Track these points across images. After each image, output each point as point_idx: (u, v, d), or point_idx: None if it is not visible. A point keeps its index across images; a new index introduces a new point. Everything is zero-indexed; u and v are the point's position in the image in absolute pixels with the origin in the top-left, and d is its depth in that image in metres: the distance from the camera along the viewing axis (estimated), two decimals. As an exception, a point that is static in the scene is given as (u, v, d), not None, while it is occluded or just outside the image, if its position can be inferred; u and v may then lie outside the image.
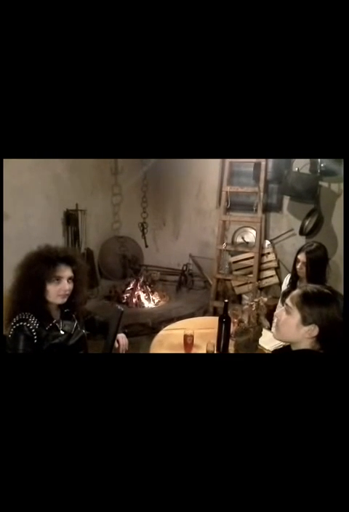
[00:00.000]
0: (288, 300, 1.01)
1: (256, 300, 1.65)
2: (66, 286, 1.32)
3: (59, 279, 1.31)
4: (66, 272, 1.33)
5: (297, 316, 0.97)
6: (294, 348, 0.99)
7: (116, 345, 1.67)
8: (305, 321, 0.95)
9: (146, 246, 3.96)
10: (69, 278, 1.34)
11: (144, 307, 3.28)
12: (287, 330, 0.99)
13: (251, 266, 3.19)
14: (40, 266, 1.27)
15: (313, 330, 0.94)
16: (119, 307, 1.65)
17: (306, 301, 0.96)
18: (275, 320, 1.07)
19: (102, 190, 3.79)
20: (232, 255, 3.39)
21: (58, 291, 1.31)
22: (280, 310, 1.04)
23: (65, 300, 1.35)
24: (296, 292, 1.01)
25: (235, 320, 1.80)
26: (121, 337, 1.68)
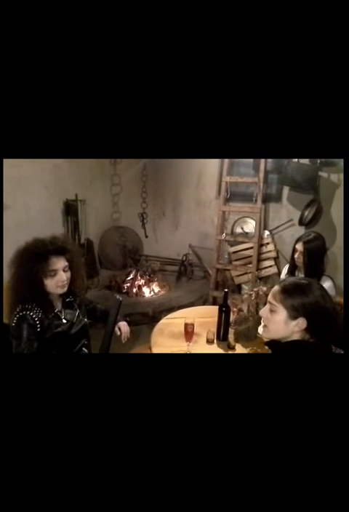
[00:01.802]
0: (270, 299, 1.01)
1: (255, 289, 1.68)
2: (63, 276, 1.32)
3: (54, 272, 1.30)
4: (60, 263, 1.31)
5: (282, 312, 0.97)
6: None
7: (118, 332, 1.68)
8: (291, 316, 0.96)
9: (146, 236, 3.97)
10: (64, 268, 1.33)
11: (144, 296, 3.30)
12: (276, 327, 0.99)
13: (250, 256, 3.20)
14: (32, 264, 1.25)
15: (302, 323, 0.95)
16: (118, 296, 1.66)
17: (288, 295, 0.96)
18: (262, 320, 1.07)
19: (101, 180, 3.79)
20: (231, 245, 3.41)
21: (56, 283, 1.31)
22: (264, 309, 1.04)
23: (66, 289, 1.36)
24: (275, 289, 1.00)
25: (235, 309, 1.83)
26: (123, 325, 1.70)
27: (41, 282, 1.28)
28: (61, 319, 1.38)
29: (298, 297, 0.95)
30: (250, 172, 3.30)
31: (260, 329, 1.79)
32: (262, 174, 3.04)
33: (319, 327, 0.95)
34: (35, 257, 1.26)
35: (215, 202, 3.61)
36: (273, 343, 1.02)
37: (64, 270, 1.32)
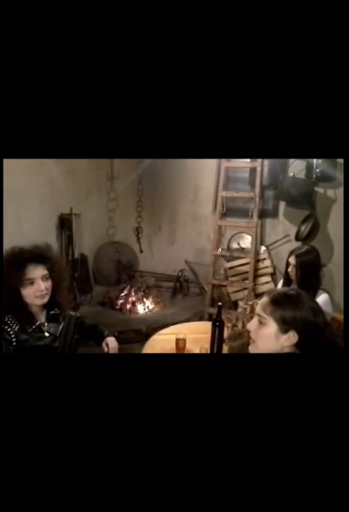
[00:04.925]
0: (259, 311, 0.93)
1: (250, 303, 1.61)
2: (42, 286, 1.25)
3: (32, 281, 1.24)
4: (37, 271, 1.25)
5: (273, 325, 0.90)
6: None
7: (105, 349, 1.61)
8: (282, 329, 0.89)
9: (141, 251, 3.92)
10: (43, 277, 1.26)
11: (138, 313, 3.22)
12: (265, 342, 0.92)
13: (247, 272, 3.15)
14: (8, 271, 1.20)
15: (293, 337, 0.88)
16: (73, 313, 1.49)
17: (278, 306, 0.90)
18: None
19: (97, 195, 3.77)
20: (228, 261, 3.36)
21: (34, 292, 1.24)
22: (252, 322, 0.96)
23: (46, 299, 1.29)
24: (264, 300, 0.93)
25: (229, 324, 1.76)
26: (111, 341, 1.62)
27: (17, 292, 1.22)
28: (43, 332, 1.31)
29: (289, 308, 0.89)
30: (246, 187, 3.29)
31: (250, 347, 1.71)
32: (257, 189, 3.02)
33: (310, 343, 0.88)
34: (12, 264, 1.21)
35: (211, 217, 3.58)
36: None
37: (43, 280, 1.26)
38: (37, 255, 1.26)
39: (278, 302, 0.91)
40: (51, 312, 1.37)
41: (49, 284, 1.29)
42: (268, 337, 0.91)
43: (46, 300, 1.29)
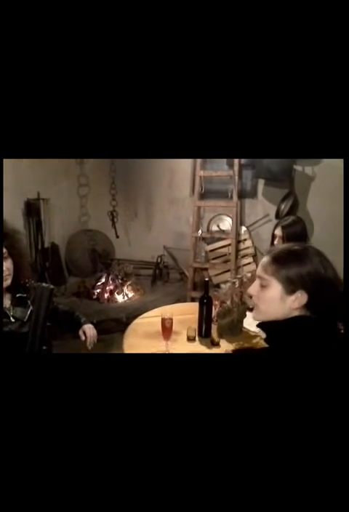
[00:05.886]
0: (260, 272, 0.82)
1: (239, 276, 1.50)
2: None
3: None
4: None
5: (276, 286, 0.79)
6: None
7: (83, 337, 1.45)
8: (288, 290, 0.78)
9: (117, 236, 3.73)
10: (2, 256, 1.10)
11: (117, 302, 3.06)
12: (270, 306, 0.80)
13: (228, 254, 3.07)
14: None
15: (301, 297, 0.77)
16: (45, 284, 1.31)
17: (282, 265, 0.79)
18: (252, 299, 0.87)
19: (67, 180, 3.53)
20: (208, 243, 3.26)
21: None
22: (253, 286, 0.85)
23: (9, 281, 1.13)
24: (265, 260, 0.82)
25: (217, 302, 1.65)
26: (88, 328, 1.47)
27: None
28: (9, 317, 1.13)
29: (294, 266, 0.77)
30: (223, 167, 3.20)
31: (245, 322, 1.61)
32: (236, 168, 2.93)
33: (321, 301, 0.77)
34: None
35: (189, 200, 3.46)
36: (267, 324, 0.83)
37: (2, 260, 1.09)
38: None
39: (280, 260, 0.79)
40: (18, 295, 1.19)
41: (9, 263, 1.13)
42: (272, 300, 0.79)
43: (9, 282, 1.13)
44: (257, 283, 0.84)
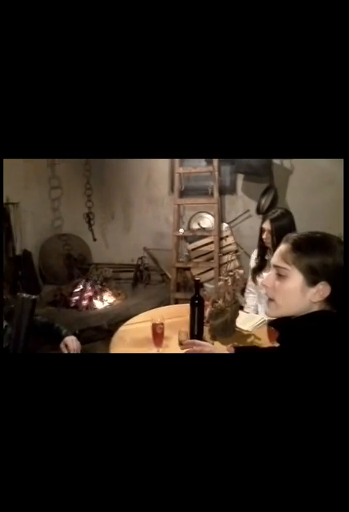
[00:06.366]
0: (278, 261, 0.74)
1: (231, 273, 1.42)
2: None
3: None
4: None
5: (297, 276, 0.71)
6: None
7: (64, 350, 1.33)
8: (310, 280, 0.70)
9: (94, 239, 3.55)
10: None
11: (96, 309, 2.89)
12: (289, 300, 0.72)
13: (211, 252, 3.00)
14: None
15: (324, 289, 0.70)
16: (26, 295, 1.19)
17: (304, 252, 0.71)
18: (265, 292, 0.78)
19: (37, 183, 3.32)
20: (190, 242, 3.17)
21: None
22: (268, 277, 0.77)
23: None
24: (284, 248, 0.75)
25: (207, 302, 1.55)
26: (70, 340, 1.35)
27: None
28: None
29: (317, 254, 0.69)
30: (202, 163, 3.13)
31: (237, 322, 1.53)
32: (216, 164, 2.87)
33: (343, 294, 0.70)
34: None
35: (168, 198, 3.36)
36: (283, 321, 0.74)
37: None
38: None
39: (302, 247, 0.71)
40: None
41: None
42: (292, 291, 0.71)
43: None
44: (272, 273, 0.76)
